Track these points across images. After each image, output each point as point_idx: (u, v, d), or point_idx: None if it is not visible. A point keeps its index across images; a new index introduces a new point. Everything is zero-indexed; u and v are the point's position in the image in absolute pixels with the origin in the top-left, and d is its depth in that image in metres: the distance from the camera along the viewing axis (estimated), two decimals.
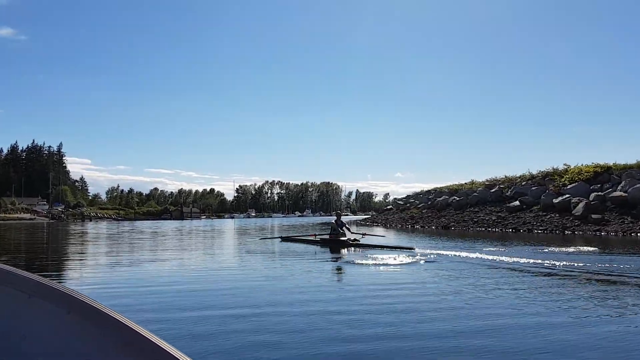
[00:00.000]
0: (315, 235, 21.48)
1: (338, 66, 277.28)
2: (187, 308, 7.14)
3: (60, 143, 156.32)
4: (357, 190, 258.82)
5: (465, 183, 49.07)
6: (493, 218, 33.90)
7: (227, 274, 11.60)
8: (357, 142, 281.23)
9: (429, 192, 54.32)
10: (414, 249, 16.46)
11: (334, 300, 7.84)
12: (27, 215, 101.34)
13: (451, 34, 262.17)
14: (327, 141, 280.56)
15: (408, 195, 67.31)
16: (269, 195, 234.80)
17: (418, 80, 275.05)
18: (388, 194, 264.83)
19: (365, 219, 74.94)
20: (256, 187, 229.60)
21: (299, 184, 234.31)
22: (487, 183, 41.06)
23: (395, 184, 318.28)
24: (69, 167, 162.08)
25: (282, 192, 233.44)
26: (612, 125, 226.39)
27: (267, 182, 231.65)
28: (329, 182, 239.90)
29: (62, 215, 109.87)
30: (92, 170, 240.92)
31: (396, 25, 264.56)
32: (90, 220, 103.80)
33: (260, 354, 4.84)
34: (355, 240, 18.90)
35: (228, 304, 7.55)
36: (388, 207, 64.12)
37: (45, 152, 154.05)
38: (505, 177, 41.05)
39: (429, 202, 45.81)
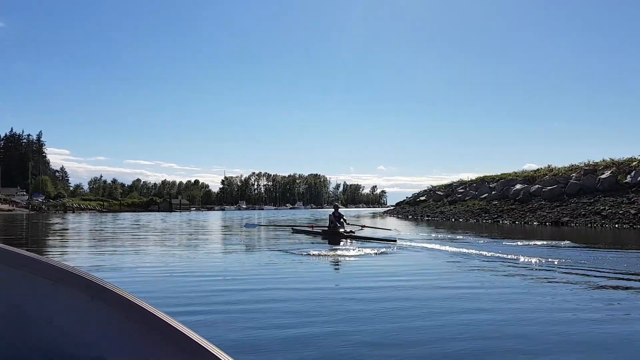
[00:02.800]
0: (312, 226, 21.69)
1: (322, 60, 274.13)
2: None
3: (40, 132, 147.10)
4: (345, 182, 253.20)
5: (520, 171, 42.51)
6: (632, 212, 24.88)
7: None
8: (341, 135, 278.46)
9: (476, 181, 47.50)
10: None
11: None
12: (6, 207, 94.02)
13: (436, 29, 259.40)
14: (311, 134, 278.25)
15: (433, 187, 61.33)
16: (255, 187, 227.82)
17: (402, 75, 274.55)
18: (375, 186, 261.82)
19: (387, 211, 67.99)
20: (242, 178, 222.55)
21: (287, 175, 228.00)
22: (585, 168, 32.67)
23: (377, 177, 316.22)
24: (48, 157, 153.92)
25: (269, 184, 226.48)
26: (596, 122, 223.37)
27: (253, 173, 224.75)
28: (316, 174, 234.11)
29: (43, 207, 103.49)
30: (71, 161, 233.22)
31: (383, 20, 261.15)
32: (73, 212, 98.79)
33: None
34: (351, 232, 18.97)
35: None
36: (421, 197, 57.11)
37: (24, 140, 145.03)
38: (611, 160, 32.27)
39: (500, 192, 38.47)
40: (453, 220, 36.67)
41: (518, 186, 36.35)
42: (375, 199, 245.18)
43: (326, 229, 19.90)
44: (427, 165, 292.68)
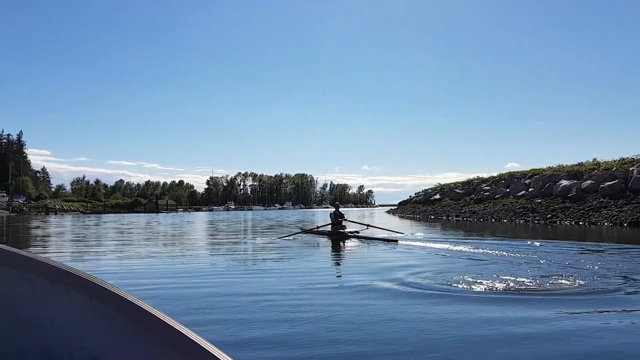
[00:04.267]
0: (317, 227, 21.05)
1: (306, 60, 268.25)
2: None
3: (20, 132, 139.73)
4: (331, 182, 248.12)
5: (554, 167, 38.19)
6: None
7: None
8: (325, 134, 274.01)
9: (502, 177, 43.05)
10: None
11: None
12: None
13: (417, 29, 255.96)
14: (296, 134, 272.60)
15: (442, 185, 56.94)
16: (242, 187, 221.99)
17: (385, 74, 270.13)
18: (362, 186, 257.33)
19: (390, 211, 62.48)
20: (228, 178, 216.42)
21: (273, 175, 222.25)
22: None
23: (361, 177, 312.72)
24: (29, 158, 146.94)
25: (255, 184, 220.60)
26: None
27: (239, 173, 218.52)
28: (303, 174, 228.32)
29: (24, 208, 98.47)
30: (52, 161, 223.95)
31: (367, 20, 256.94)
32: (55, 214, 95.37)
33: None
34: (355, 232, 18.70)
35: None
36: (435, 196, 52.48)
37: (4, 141, 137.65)
38: None
39: (542, 189, 33.74)
40: (493, 220, 32.13)
41: (565, 182, 31.88)
42: (362, 199, 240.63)
43: (329, 229, 19.46)
44: (410, 165, 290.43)
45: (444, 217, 39.46)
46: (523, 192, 35.99)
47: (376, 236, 17.32)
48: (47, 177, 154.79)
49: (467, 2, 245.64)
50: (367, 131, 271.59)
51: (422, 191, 69.62)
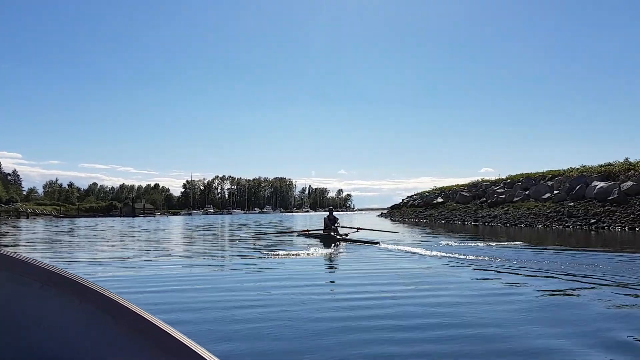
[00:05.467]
0: (307, 230, 21.80)
1: (283, 64, 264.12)
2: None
3: None
4: (310, 186, 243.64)
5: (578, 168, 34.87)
6: None
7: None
8: (302, 138, 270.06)
9: (515, 179, 39.71)
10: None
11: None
12: None
13: (396, 34, 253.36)
14: (272, 138, 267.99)
15: (440, 188, 53.37)
16: (219, 190, 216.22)
17: (361, 79, 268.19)
18: (341, 190, 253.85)
19: (381, 215, 58.94)
20: (205, 182, 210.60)
21: (251, 179, 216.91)
22: None
23: (338, 181, 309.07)
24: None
25: (233, 187, 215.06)
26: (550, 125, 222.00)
27: (217, 177, 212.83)
28: (282, 178, 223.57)
29: None
30: (24, 164, 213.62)
31: (346, 25, 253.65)
32: (27, 217, 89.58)
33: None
34: (344, 235, 18.72)
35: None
36: (437, 200, 48.90)
37: None
38: None
39: (572, 191, 30.31)
40: (523, 226, 28.51)
41: (600, 184, 28.47)
42: (341, 203, 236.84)
43: (321, 232, 19.92)
44: (386, 169, 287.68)
45: (458, 222, 35.82)
46: (548, 194, 32.53)
47: (361, 239, 17.73)
48: (19, 180, 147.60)
49: (446, 8, 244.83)
50: (344, 135, 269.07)
51: (416, 194, 66.32)
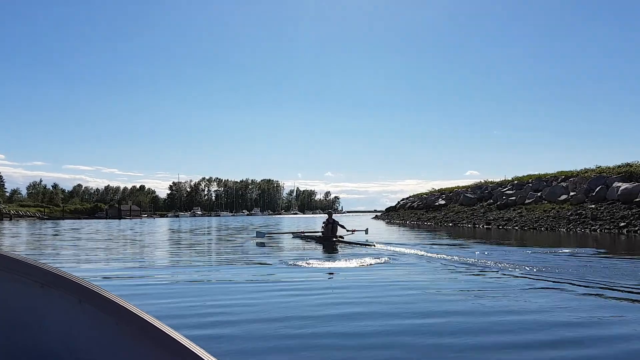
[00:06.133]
0: (303, 232, 21.72)
1: (270, 66, 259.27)
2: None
3: None
4: (297, 188, 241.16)
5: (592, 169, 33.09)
6: None
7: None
8: (289, 141, 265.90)
9: (523, 180, 37.95)
10: None
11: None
12: None
13: (381, 36, 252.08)
14: (259, 140, 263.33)
15: (437, 190, 51.40)
16: (206, 192, 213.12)
17: (348, 81, 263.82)
18: (329, 192, 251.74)
19: (376, 217, 57.07)
20: (192, 184, 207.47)
21: (239, 181, 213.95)
22: None
23: (325, 183, 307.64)
24: None
25: (220, 189, 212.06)
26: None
27: (204, 178, 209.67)
28: (270, 180, 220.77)
29: None
30: (6, 165, 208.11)
31: (331, 27, 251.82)
32: (10, 219, 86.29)
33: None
34: (340, 237, 18.92)
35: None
36: (439, 202, 47.02)
37: None
38: None
39: (592, 193, 28.32)
40: (544, 229, 26.61)
41: (624, 185, 26.63)
42: (329, 205, 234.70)
43: (320, 234, 19.88)
44: (372, 171, 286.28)
45: (468, 225, 33.88)
46: (564, 196, 30.70)
47: (353, 241, 18.29)
48: (1, 181, 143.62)
49: (432, 11, 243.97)
50: (330, 138, 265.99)
51: (412, 196, 64.53)
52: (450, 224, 36.34)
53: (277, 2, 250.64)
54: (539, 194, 33.63)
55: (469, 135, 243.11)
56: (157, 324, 1.45)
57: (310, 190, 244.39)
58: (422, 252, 13.95)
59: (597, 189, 28.34)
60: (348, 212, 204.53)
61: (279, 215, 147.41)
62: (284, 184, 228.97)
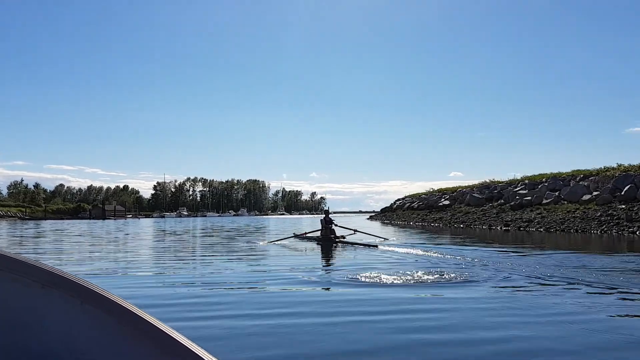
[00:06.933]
0: (305, 233, 21.77)
1: (255, 66, 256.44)
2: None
3: None
4: (284, 188, 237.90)
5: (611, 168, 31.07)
6: None
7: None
8: (273, 141, 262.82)
9: (535, 179, 35.75)
10: None
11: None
12: None
13: (366, 38, 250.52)
14: (243, 140, 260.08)
15: (436, 190, 49.09)
16: (191, 192, 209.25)
17: (332, 81, 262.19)
18: (315, 192, 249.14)
19: (371, 217, 54.71)
20: (177, 184, 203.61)
21: (224, 181, 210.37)
22: None
23: (309, 184, 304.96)
24: None
25: (205, 189, 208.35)
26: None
27: (189, 178, 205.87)
28: (255, 180, 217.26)
29: None
30: None
31: (317, 28, 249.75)
32: None
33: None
34: (342, 237, 18.89)
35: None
36: (443, 202, 44.87)
37: None
38: None
39: (620, 193, 26.28)
40: (572, 231, 24.48)
41: None
42: (315, 206, 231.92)
43: (319, 234, 19.66)
44: (357, 172, 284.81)
45: (483, 227, 31.65)
46: (587, 196, 28.61)
47: (360, 242, 17.85)
48: None
49: (418, 13, 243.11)
50: (315, 138, 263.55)
51: (408, 197, 62.42)
52: (462, 225, 34.11)
53: (263, 2, 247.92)
54: (556, 193, 31.56)
55: (453, 136, 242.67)
56: (158, 324, 1.42)
57: (296, 190, 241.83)
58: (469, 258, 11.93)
59: (626, 188, 26.29)
60: (334, 212, 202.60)
61: (266, 216, 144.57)
62: (269, 184, 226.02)
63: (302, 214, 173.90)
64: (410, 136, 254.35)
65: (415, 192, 64.11)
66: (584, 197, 28.79)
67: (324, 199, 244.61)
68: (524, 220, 29.39)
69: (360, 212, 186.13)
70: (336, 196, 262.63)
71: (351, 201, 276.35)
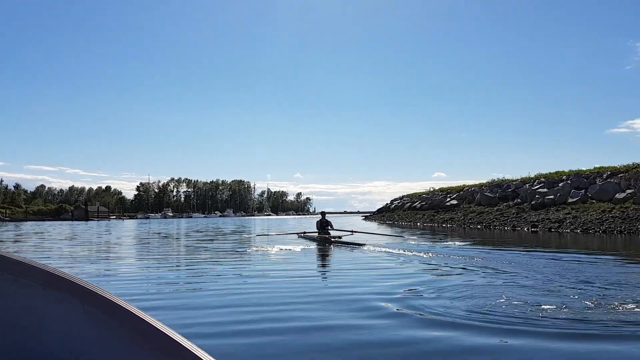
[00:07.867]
0: (304, 232, 22.00)
1: (239, 66, 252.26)
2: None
3: None
4: (269, 189, 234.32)
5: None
6: None
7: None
8: (257, 141, 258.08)
9: (556, 177, 33.12)
10: None
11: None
12: None
13: (352, 37, 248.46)
14: (227, 140, 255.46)
15: (437, 189, 46.51)
16: (175, 193, 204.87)
17: (316, 81, 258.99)
18: (300, 193, 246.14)
19: (367, 218, 52.15)
20: (160, 184, 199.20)
21: (209, 181, 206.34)
22: None
23: (294, 185, 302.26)
24: None
25: (189, 190, 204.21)
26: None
27: (172, 179, 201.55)
28: (240, 180, 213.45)
29: None
30: None
31: (304, 26, 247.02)
32: None
33: None
34: (339, 237, 18.65)
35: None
36: (451, 202, 42.36)
37: None
38: None
39: None
40: (616, 233, 22.07)
41: None
42: (301, 207, 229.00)
43: (316, 234, 19.85)
44: (340, 173, 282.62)
45: (505, 228, 29.16)
46: (622, 194, 26.22)
47: (347, 241, 17.72)
48: None
49: (406, 12, 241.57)
50: (299, 139, 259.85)
51: (406, 196, 60.00)
52: (479, 226, 31.60)
53: (245, 6, 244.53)
54: (582, 192, 29.19)
55: (436, 137, 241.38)
56: (159, 325, 1.42)
57: (282, 191, 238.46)
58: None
59: None
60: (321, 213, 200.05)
61: (252, 217, 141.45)
62: (255, 184, 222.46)
63: (289, 214, 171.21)
64: (393, 137, 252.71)
65: (414, 192, 61.70)
66: (618, 195, 26.39)
67: (310, 200, 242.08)
68: (552, 220, 26.91)
69: (345, 212, 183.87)
70: (320, 197, 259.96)
71: (335, 202, 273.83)
